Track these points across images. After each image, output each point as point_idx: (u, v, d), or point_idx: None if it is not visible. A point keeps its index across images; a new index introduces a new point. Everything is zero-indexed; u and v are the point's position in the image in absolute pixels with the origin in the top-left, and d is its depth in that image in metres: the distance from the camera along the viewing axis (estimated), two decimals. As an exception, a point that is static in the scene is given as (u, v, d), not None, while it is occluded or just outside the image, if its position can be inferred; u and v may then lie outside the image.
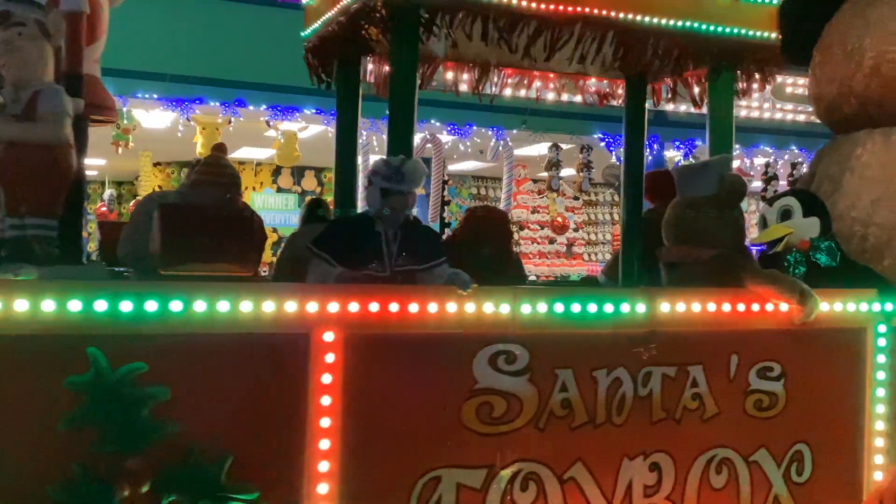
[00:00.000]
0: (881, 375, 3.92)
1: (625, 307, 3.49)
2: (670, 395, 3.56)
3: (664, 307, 3.55)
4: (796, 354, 3.79)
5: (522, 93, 5.39)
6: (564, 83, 5.43)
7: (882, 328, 3.93)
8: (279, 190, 15.82)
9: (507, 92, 5.44)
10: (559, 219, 16.12)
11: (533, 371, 3.32)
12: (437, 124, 11.48)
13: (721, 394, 3.65)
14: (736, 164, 13.74)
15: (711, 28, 4.18)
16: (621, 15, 4.00)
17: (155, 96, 9.73)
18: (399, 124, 3.86)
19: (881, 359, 3.92)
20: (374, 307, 3.07)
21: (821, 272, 4.16)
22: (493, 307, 3.27)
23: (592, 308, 3.44)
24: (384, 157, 3.66)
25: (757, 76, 4.43)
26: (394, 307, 3.10)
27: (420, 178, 3.64)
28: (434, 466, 3.17)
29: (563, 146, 12.35)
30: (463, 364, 3.23)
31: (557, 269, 16.35)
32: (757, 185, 13.52)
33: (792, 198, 4.35)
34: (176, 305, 2.78)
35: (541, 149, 12.71)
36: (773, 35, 4.33)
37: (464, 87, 5.26)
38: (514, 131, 11.82)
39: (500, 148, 12.13)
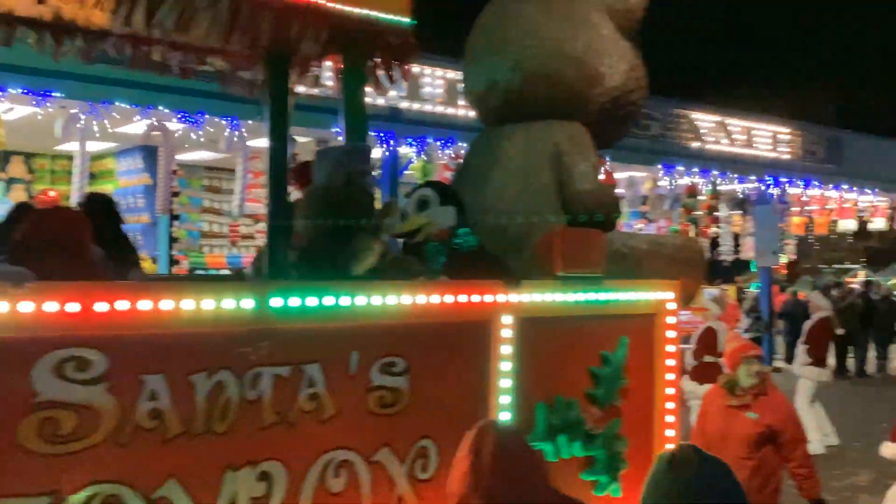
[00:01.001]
0: (506, 366, 3.94)
1: (228, 303, 3.17)
2: (283, 397, 3.28)
3: (276, 302, 3.28)
4: (421, 348, 3.69)
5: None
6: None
7: (506, 319, 3.94)
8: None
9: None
10: (295, 212, 15.48)
11: (112, 378, 2.88)
12: (166, 111, 10.63)
13: (341, 393, 3.44)
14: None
15: (338, 7, 3.94)
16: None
17: None
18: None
19: (506, 349, 3.94)
20: None
21: (460, 261, 4.20)
22: (59, 306, 2.80)
23: (188, 304, 3.07)
24: None
25: (393, 64, 4.27)
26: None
27: None
28: (-26, 500, 2.64)
29: (299, 139, 11.88)
30: (17, 374, 2.71)
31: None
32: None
33: (427, 188, 4.37)
34: None
35: (277, 141, 12.18)
36: (407, 20, 4.19)
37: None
38: (250, 122, 11.20)
39: (235, 139, 11.50)
